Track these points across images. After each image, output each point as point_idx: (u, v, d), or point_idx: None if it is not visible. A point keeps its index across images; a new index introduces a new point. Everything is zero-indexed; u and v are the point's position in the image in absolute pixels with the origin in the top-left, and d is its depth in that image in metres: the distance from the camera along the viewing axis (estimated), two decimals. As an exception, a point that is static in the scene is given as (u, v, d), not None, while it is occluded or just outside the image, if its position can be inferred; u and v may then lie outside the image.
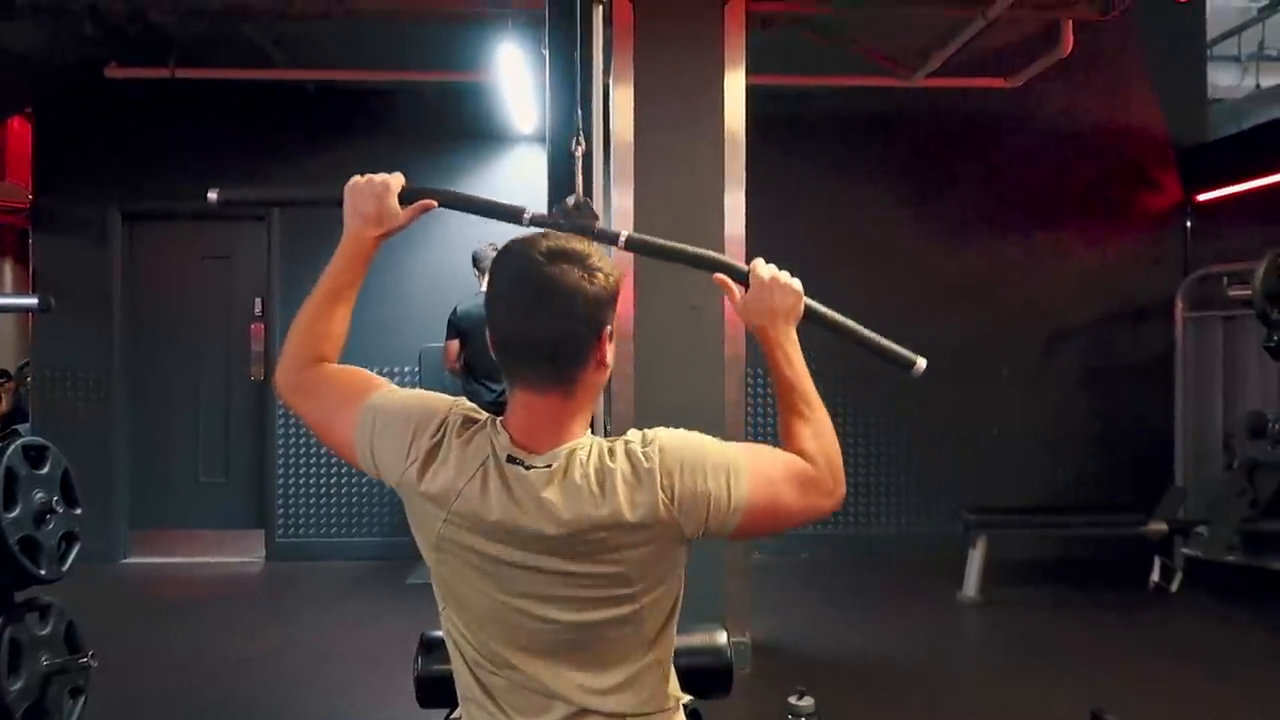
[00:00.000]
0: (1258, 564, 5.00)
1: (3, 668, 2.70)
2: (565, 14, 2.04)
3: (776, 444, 1.40)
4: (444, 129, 5.88)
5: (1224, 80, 8.06)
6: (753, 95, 3.90)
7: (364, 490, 5.90)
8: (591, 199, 2.04)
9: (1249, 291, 4.90)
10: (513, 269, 1.25)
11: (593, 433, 1.33)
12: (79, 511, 3.03)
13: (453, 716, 1.46)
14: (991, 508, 5.21)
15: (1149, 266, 6.10)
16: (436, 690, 1.58)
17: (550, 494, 1.22)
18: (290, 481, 5.89)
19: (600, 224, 1.75)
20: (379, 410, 1.35)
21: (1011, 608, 4.91)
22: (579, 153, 2.04)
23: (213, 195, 1.61)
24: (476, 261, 5.30)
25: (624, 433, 1.31)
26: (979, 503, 5.25)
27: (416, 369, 5.82)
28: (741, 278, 1.49)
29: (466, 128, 5.87)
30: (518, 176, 5.93)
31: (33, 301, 3.04)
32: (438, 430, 1.30)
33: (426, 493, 1.27)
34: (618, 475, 1.23)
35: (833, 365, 6.32)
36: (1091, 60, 5.59)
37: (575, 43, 2.00)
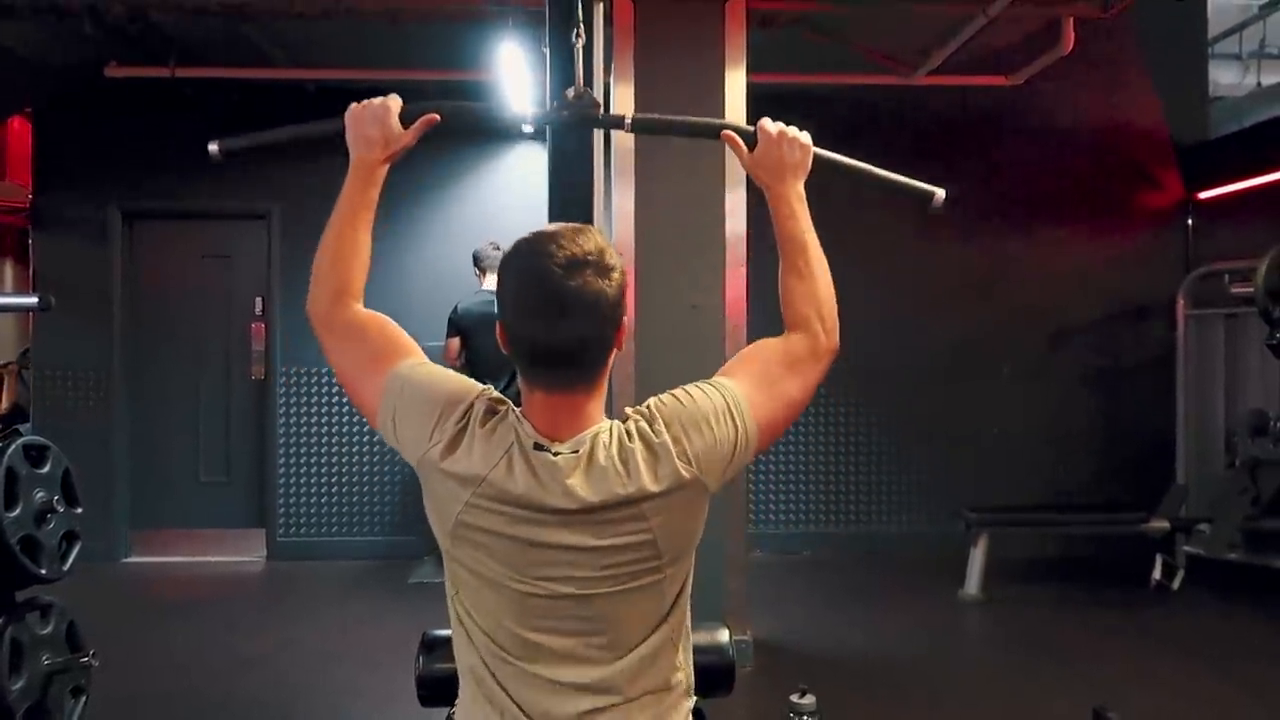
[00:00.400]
0: (1259, 562, 5.00)
1: (4, 667, 2.70)
2: (565, 13, 2.03)
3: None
4: (444, 127, 5.83)
5: (1225, 78, 8.05)
6: (753, 94, 3.89)
7: (365, 489, 5.91)
8: (591, 88, 2.00)
9: (1251, 289, 4.90)
10: (531, 281, 1.25)
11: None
12: (80, 511, 3.03)
13: (453, 713, 1.46)
14: (993, 506, 5.21)
15: (1150, 264, 6.09)
16: (438, 689, 1.58)
17: (577, 478, 1.25)
18: (291, 481, 5.89)
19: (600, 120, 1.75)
20: (407, 384, 1.35)
21: (1013, 606, 4.91)
22: (579, 44, 2.00)
23: (213, 148, 1.61)
24: (477, 260, 5.30)
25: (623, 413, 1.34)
26: (980, 501, 5.25)
27: (417, 368, 5.82)
28: (749, 137, 1.51)
29: (467, 126, 5.86)
30: (519, 175, 5.93)
31: (33, 301, 3.04)
32: (463, 416, 1.30)
33: (449, 471, 1.28)
34: (638, 454, 1.27)
35: (835, 365, 6.32)
36: (1092, 58, 5.57)
37: (576, 37, 2.00)
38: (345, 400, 5.89)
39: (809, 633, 4.53)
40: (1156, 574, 5.06)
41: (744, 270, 3.82)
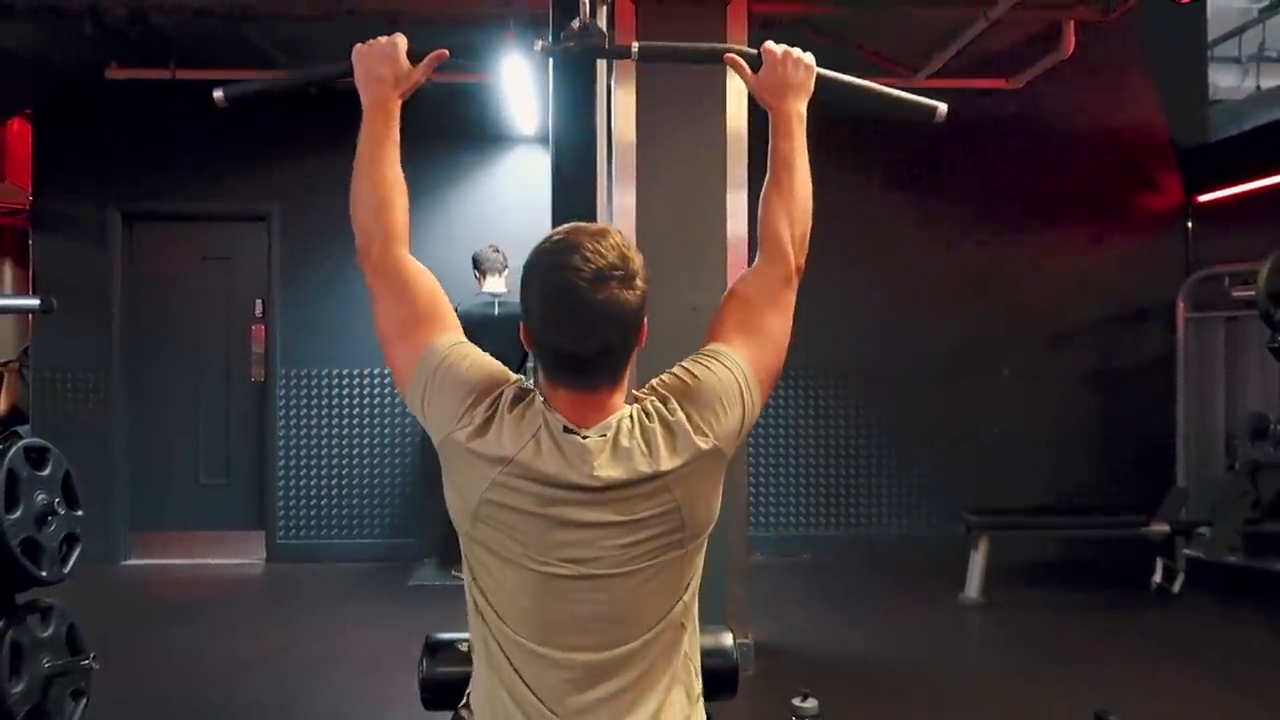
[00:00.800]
0: (1260, 565, 5.00)
1: (4, 669, 2.69)
2: (568, 15, 2.03)
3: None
4: (446, 130, 5.87)
5: (1225, 81, 8.06)
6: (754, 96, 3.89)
7: (365, 492, 5.90)
8: (595, 22, 1.98)
9: (1252, 292, 4.90)
10: (557, 295, 1.27)
11: None
12: (80, 513, 3.02)
13: (460, 708, 1.46)
14: (993, 509, 5.21)
15: (1150, 267, 6.09)
16: (442, 693, 1.58)
17: (604, 459, 1.28)
18: (291, 483, 5.89)
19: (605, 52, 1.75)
20: (444, 363, 1.36)
21: (1013, 609, 4.91)
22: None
23: (218, 94, 1.57)
24: (477, 263, 5.30)
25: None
26: (980, 504, 5.25)
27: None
28: (753, 59, 1.54)
29: (468, 129, 5.87)
30: (520, 178, 5.93)
31: (34, 303, 3.04)
32: (493, 403, 1.32)
33: (477, 452, 1.29)
34: (658, 433, 1.31)
35: (835, 367, 6.31)
36: (1093, 61, 5.58)
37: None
38: (345, 402, 5.89)
39: (810, 636, 4.52)
40: (1157, 577, 5.06)
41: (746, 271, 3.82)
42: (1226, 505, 5.14)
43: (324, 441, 5.89)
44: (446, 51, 1.53)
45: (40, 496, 2.85)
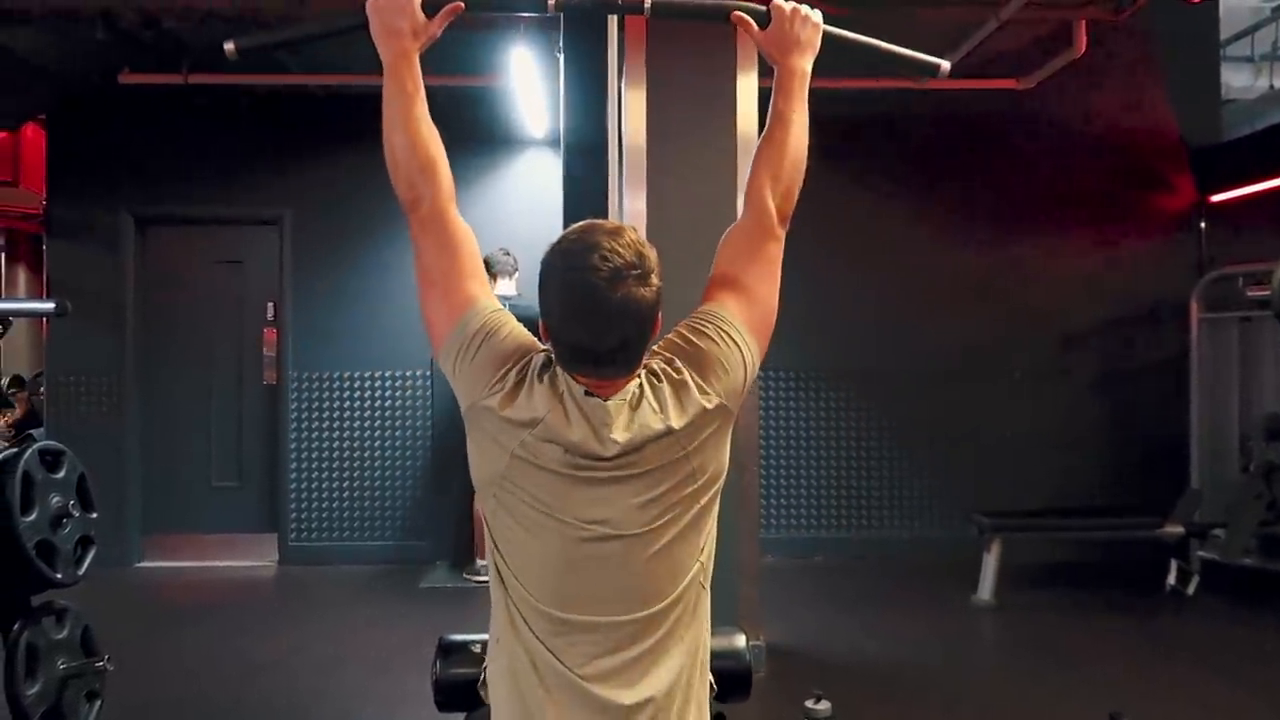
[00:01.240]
0: (1274, 567, 4.96)
1: (20, 671, 2.71)
2: (580, 17, 2.04)
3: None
4: (457, 133, 5.82)
5: (1237, 81, 8.00)
6: (765, 99, 3.88)
7: (377, 494, 5.91)
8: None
9: (1266, 292, 4.87)
10: (576, 294, 1.30)
11: None
12: (94, 515, 3.03)
13: (479, 686, 1.46)
14: (1006, 511, 5.19)
15: (1163, 267, 6.06)
16: (456, 695, 1.58)
17: (622, 419, 1.32)
18: (303, 485, 5.91)
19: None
20: (482, 331, 1.38)
21: (1026, 611, 4.89)
22: None
23: (229, 46, 1.57)
24: (488, 266, 5.31)
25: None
26: (991, 506, 5.23)
27: (429, 373, 5.83)
28: (761, 16, 1.56)
29: (478, 132, 5.88)
30: (531, 181, 5.94)
31: (50, 306, 3.05)
32: (523, 369, 1.36)
33: (507, 417, 1.33)
34: (666, 391, 1.36)
35: (847, 369, 6.30)
36: (1104, 61, 5.56)
37: (590, 44, 2.00)
38: (357, 405, 5.90)
39: (822, 638, 4.51)
40: (1171, 579, 5.03)
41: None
42: (1241, 507, 5.10)
43: (336, 444, 5.91)
44: (462, 4, 1.54)
45: (55, 499, 2.87)
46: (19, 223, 8.54)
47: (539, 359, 1.37)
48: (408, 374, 5.87)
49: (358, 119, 5.98)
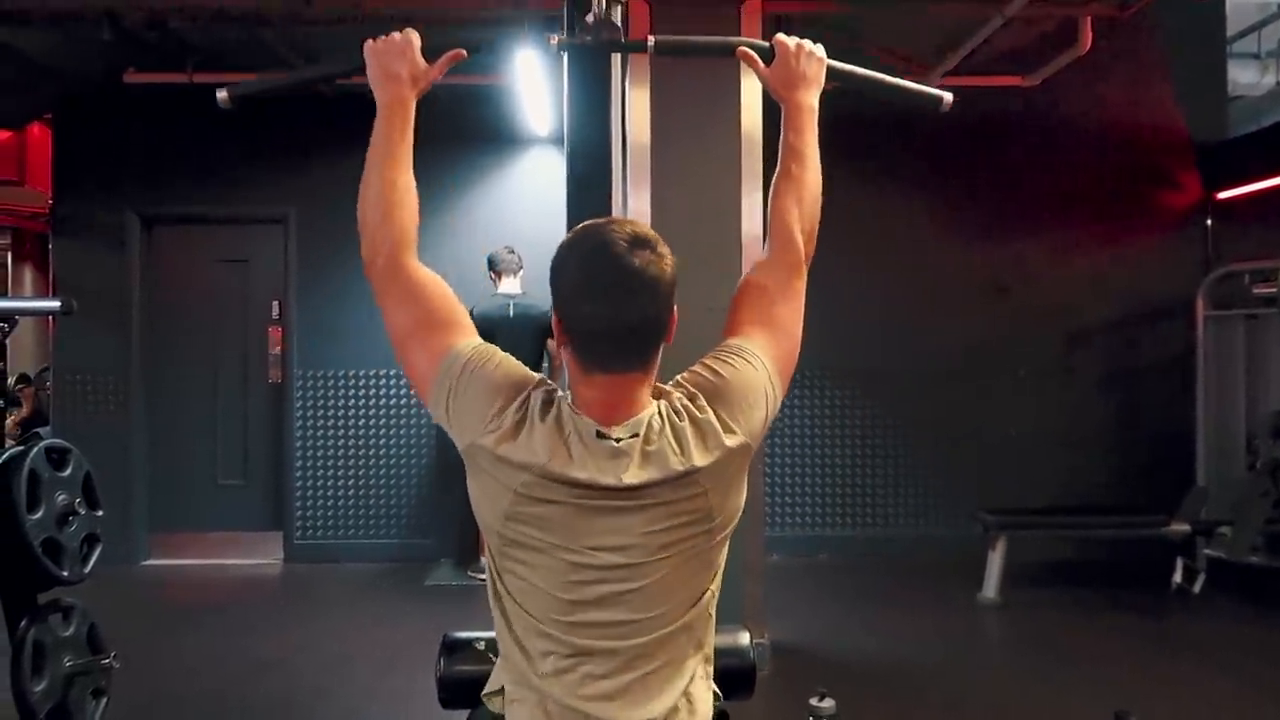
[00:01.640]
0: (1282, 565, 4.95)
1: (27, 668, 2.72)
2: (582, 12, 2.03)
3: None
4: (460, 132, 5.89)
5: (1244, 77, 7.98)
6: (769, 96, 3.88)
7: (382, 492, 5.92)
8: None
9: (1273, 289, 4.86)
10: (600, 261, 1.28)
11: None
12: (100, 513, 3.04)
13: (483, 695, 1.46)
14: (1011, 509, 5.18)
15: (1169, 265, 6.04)
16: (459, 691, 1.58)
17: (635, 461, 1.28)
18: (308, 483, 5.92)
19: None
20: (468, 368, 1.33)
21: (1031, 609, 4.88)
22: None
23: (221, 94, 1.53)
24: (493, 264, 5.31)
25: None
26: (996, 504, 5.22)
27: (433, 371, 5.84)
28: (765, 52, 1.56)
29: (482, 131, 5.88)
30: (535, 179, 5.94)
31: (55, 305, 3.06)
32: (522, 406, 1.30)
33: (506, 458, 1.28)
34: (688, 431, 1.31)
35: (851, 367, 6.29)
36: (1110, 58, 5.54)
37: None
38: (362, 404, 5.91)
39: (826, 636, 4.51)
40: (1177, 577, 5.02)
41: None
42: (1248, 505, 5.09)
43: (341, 443, 5.92)
44: (464, 51, 1.51)
45: (61, 497, 2.87)
46: (25, 222, 8.57)
47: (538, 396, 1.32)
48: (412, 372, 5.88)
49: (363, 117, 5.98)
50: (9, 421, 7.05)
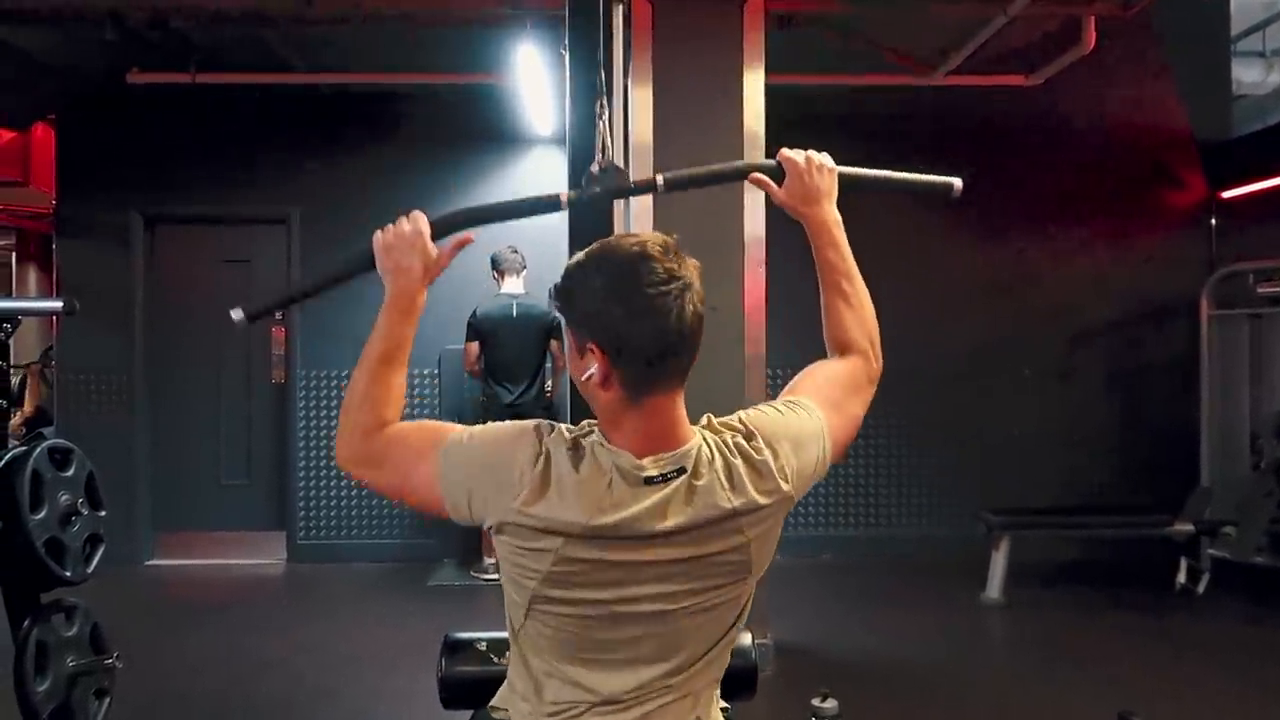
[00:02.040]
0: (1286, 566, 4.93)
1: (30, 668, 2.71)
2: (585, 14, 2.04)
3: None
4: (462, 131, 5.90)
5: (1248, 76, 7.94)
6: (772, 94, 3.88)
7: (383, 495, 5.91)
8: (613, 160, 2.00)
9: (1277, 288, 4.84)
10: (636, 275, 1.21)
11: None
12: (103, 513, 3.04)
13: (490, 707, 1.46)
14: (1014, 509, 5.17)
15: (1173, 264, 6.03)
16: (461, 691, 1.58)
17: (679, 500, 1.24)
18: (311, 483, 5.92)
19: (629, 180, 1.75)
20: (463, 452, 1.28)
21: (1034, 609, 4.87)
22: (603, 117, 1.99)
23: (236, 315, 1.46)
24: (496, 263, 5.31)
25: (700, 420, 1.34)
26: (1000, 504, 5.21)
27: (436, 371, 5.84)
28: (774, 172, 1.54)
29: (484, 130, 5.88)
30: (537, 178, 5.94)
31: (58, 305, 3.06)
32: (537, 457, 1.24)
33: (540, 521, 1.22)
34: (742, 470, 1.27)
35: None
36: (1113, 57, 5.53)
37: (596, 42, 1.99)
38: (364, 403, 5.91)
39: (829, 636, 4.50)
40: (1181, 578, 5.00)
41: (763, 270, 3.82)
42: (1252, 505, 5.07)
43: (343, 442, 5.91)
44: (472, 236, 1.48)
45: (64, 497, 2.87)
46: (29, 222, 8.58)
47: (557, 444, 1.25)
48: (414, 372, 5.88)
49: (365, 118, 6.07)
50: (14, 422, 7.08)
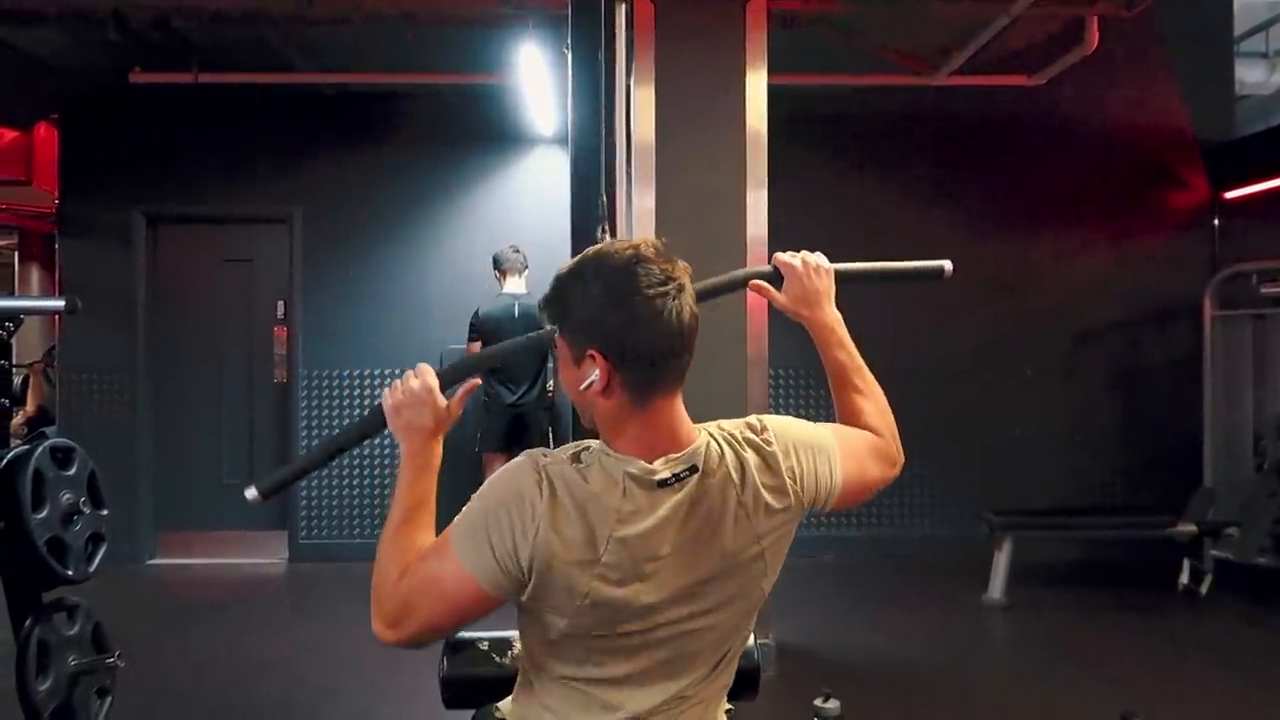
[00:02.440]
0: (1289, 567, 4.93)
1: (32, 667, 2.71)
2: (588, 13, 2.03)
3: (803, 417, 1.43)
4: (464, 131, 5.90)
5: (1251, 76, 7.94)
6: (774, 95, 3.88)
7: (386, 491, 5.92)
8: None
9: None
10: (631, 277, 1.21)
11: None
12: (105, 512, 3.04)
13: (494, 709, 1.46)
14: (1016, 509, 5.16)
15: (1176, 265, 6.02)
16: (462, 691, 1.58)
17: (696, 496, 1.24)
18: (312, 483, 5.92)
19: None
20: (468, 518, 1.25)
21: (1037, 610, 4.86)
22: (603, 225, 2.01)
23: (251, 493, 1.43)
24: (498, 263, 5.31)
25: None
26: (1002, 504, 5.20)
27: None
28: (772, 277, 1.56)
29: (486, 130, 5.88)
30: (540, 178, 5.94)
31: (59, 304, 3.05)
32: (539, 482, 1.23)
33: (568, 555, 1.20)
34: (751, 464, 1.28)
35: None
36: (1116, 57, 5.52)
37: (599, 42, 1.99)
38: (367, 403, 5.91)
39: (831, 637, 4.50)
40: (1184, 578, 5.00)
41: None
42: (1255, 506, 5.07)
43: (345, 442, 5.91)
44: (479, 380, 1.46)
45: (66, 496, 2.87)
46: (32, 221, 8.59)
47: (551, 468, 1.23)
48: (417, 372, 5.88)
49: (367, 117, 6.06)
50: (15, 421, 7.08)
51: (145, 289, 5.92)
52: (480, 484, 1.31)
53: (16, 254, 9.45)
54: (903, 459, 1.53)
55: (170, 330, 6.00)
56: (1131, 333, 6.04)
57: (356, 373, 5.91)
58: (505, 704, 1.42)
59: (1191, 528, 4.97)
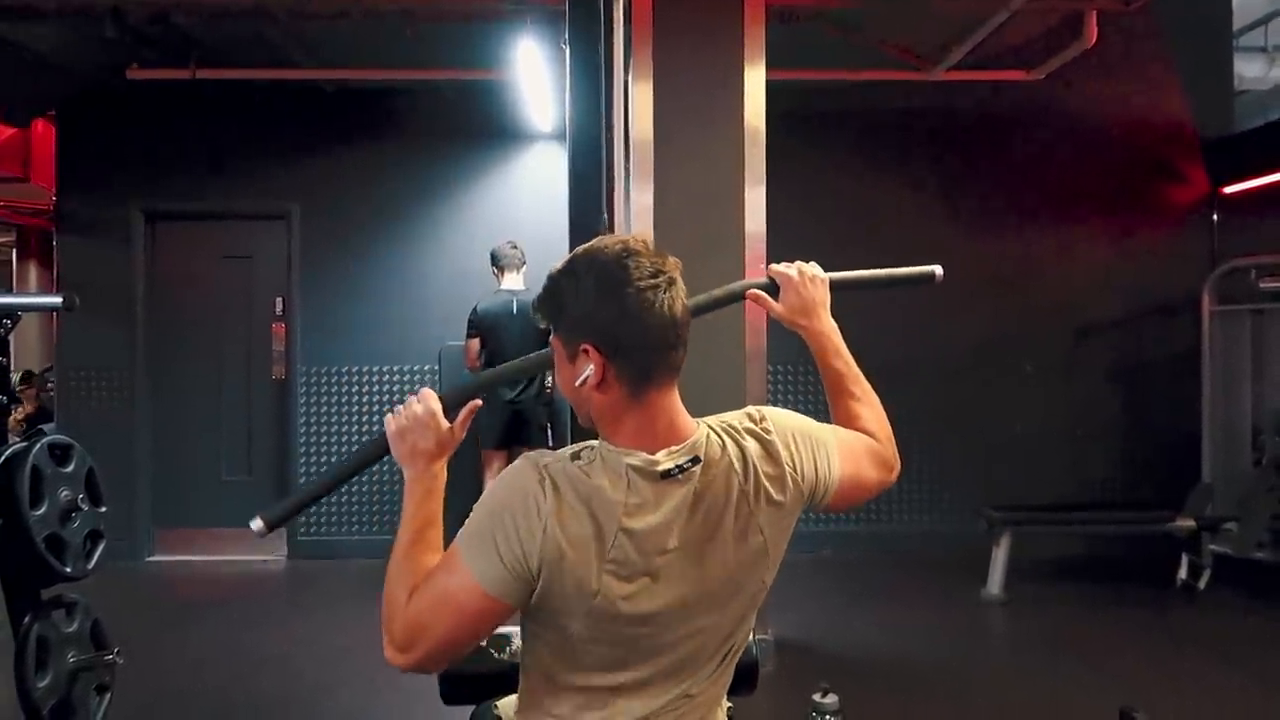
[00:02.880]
0: (1287, 561, 4.93)
1: (30, 664, 2.71)
2: (585, 9, 2.03)
3: (803, 413, 1.44)
4: (462, 127, 5.89)
5: (1250, 71, 7.93)
6: (773, 90, 3.87)
7: (385, 488, 5.92)
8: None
9: (1279, 284, 4.84)
10: (623, 271, 1.22)
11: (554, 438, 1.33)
12: (104, 509, 3.04)
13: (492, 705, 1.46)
14: (1015, 505, 5.17)
15: (1175, 260, 6.02)
16: (460, 687, 1.58)
17: (701, 489, 1.24)
18: (312, 479, 5.90)
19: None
20: (473, 526, 1.25)
21: (1036, 605, 4.87)
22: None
23: (257, 525, 1.41)
24: (496, 259, 5.30)
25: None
26: (1001, 499, 5.21)
27: (437, 367, 5.84)
28: (769, 288, 1.58)
29: (485, 126, 5.88)
30: (538, 175, 5.93)
31: (57, 300, 3.05)
32: (541, 486, 1.22)
33: (577, 551, 1.20)
34: (753, 454, 1.29)
35: (856, 362, 6.27)
36: (1115, 52, 5.52)
37: (597, 37, 1.98)
38: (365, 399, 5.92)
39: (830, 632, 4.50)
40: (1182, 573, 5.00)
41: (764, 268, 3.81)
42: (1253, 500, 5.07)
43: (344, 439, 5.92)
44: (480, 400, 1.46)
45: (64, 493, 2.87)
46: (29, 219, 8.58)
47: (553, 468, 1.23)
48: (416, 368, 5.88)
49: (366, 114, 6.06)
50: (13, 419, 7.08)
51: (143, 286, 5.91)
52: (479, 480, 1.31)
53: (14, 251, 9.44)
54: (899, 466, 1.53)
55: (168, 327, 6.00)
56: (1130, 328, 6.04)
57: (355, 369, 5.91)
58: (503, 701, 1.42)
59: (1190, 523, 4.98)
